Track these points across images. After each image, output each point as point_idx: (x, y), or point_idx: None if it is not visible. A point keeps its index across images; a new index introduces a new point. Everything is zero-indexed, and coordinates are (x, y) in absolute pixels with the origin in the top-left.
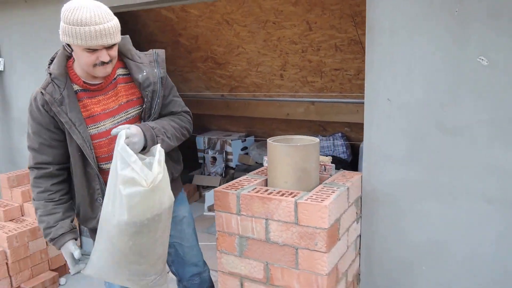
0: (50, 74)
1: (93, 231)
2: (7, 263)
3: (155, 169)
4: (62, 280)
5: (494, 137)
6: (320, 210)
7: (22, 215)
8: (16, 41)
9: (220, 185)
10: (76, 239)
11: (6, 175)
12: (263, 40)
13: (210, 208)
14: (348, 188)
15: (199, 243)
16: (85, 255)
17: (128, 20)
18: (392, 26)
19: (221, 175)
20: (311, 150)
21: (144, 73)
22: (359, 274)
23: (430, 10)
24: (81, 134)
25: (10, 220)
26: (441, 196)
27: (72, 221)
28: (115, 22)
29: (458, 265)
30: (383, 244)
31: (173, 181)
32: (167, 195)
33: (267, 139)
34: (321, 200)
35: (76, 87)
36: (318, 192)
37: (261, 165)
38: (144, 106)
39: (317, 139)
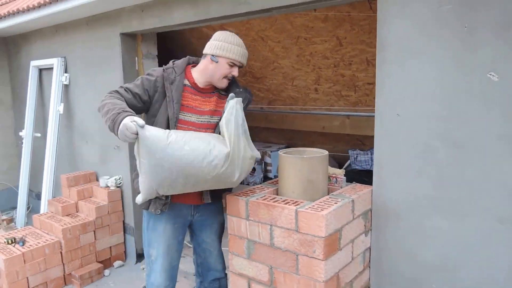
0: (173, 62)
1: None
2: (61, 252)
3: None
4: (107, 272)
5: (505, 153)
6: (318, 219)
7: (77, 211)
8: (79, 58)
9: None
10: None
11: (66, 176)
12: (296, 55)
13: None
14: (352, 200)
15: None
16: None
17: (174, 37)
18: (402, 43)
19: None
20: (318, 162)
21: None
22: (369, 287)
23: (439, 26)
24: (174, 110)
25: (66, 215)
26: (450, 213)
27: None
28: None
29: None
30: (391, 259)
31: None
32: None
33: (279, 151)
34: (321, 210)
35: (186, 82)
36: (321, 202)
37: None
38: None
39: (325, 152)
